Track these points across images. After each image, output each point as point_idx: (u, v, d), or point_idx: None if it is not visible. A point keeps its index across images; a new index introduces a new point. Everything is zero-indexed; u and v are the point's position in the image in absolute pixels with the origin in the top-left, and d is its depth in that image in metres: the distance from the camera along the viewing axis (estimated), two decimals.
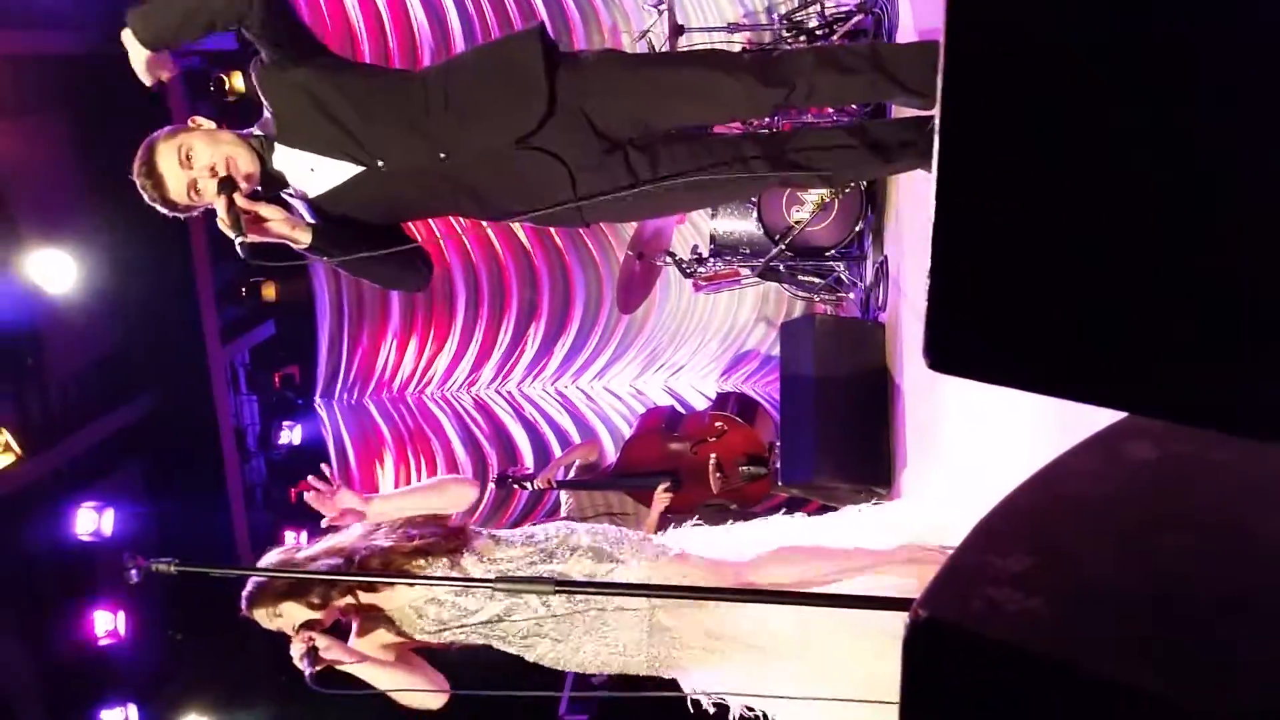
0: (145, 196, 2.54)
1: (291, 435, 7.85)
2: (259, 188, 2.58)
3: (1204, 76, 0.76)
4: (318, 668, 2.37)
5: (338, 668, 2.45)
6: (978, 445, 2.96)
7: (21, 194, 5.40)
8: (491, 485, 6.69)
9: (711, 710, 2.64)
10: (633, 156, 2.57)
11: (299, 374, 8.03)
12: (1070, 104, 0.80)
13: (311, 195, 2.59)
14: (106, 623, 5.86)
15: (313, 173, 2.55)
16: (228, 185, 2.45)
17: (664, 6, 4.99)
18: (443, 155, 2.51)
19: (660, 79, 2.61)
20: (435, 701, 2.54)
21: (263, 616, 2.53)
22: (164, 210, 2.56)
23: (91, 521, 5.70)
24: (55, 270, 5.29)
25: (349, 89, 2.51)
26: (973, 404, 3.06)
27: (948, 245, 0.80)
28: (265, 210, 2.48)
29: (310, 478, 2.52)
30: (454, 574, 2.48)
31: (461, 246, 7.72)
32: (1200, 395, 0.76)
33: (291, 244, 2.55)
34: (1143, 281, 0.78)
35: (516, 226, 7.78)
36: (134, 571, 2.04)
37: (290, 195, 2.65)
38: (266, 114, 2.59)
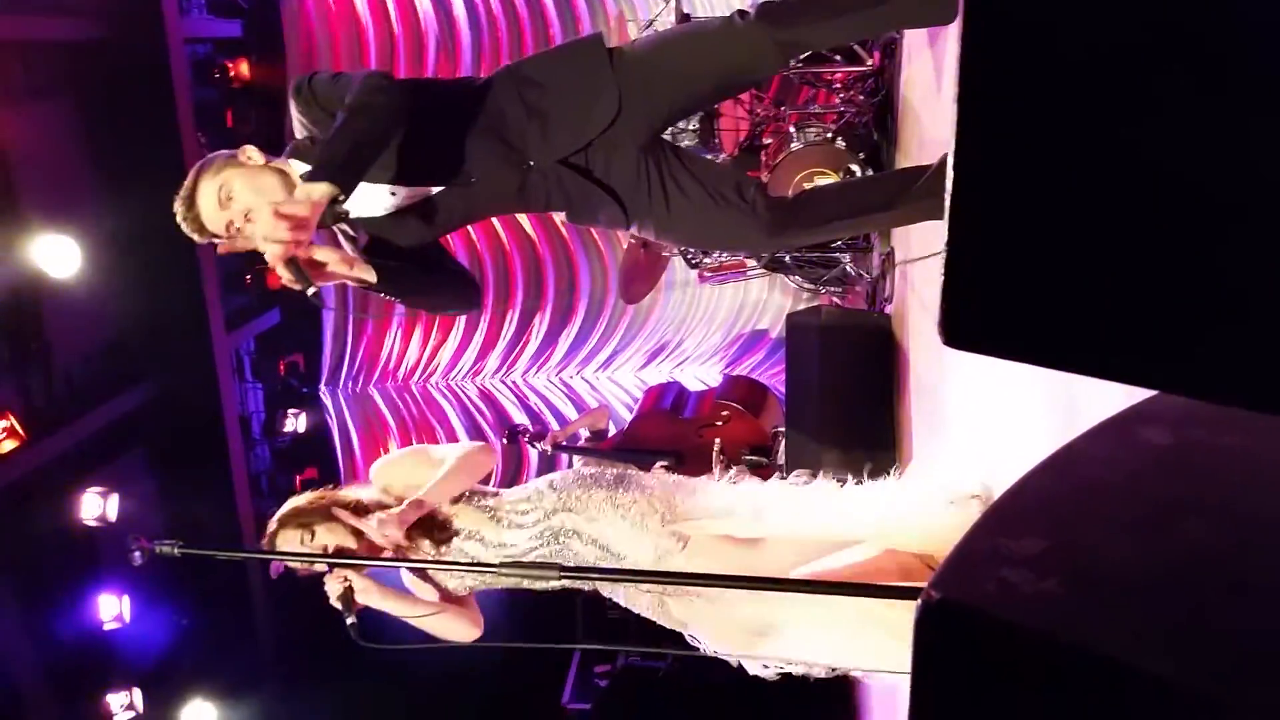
0: (181, 224, 2.43)
1: (296, 423, 7.86)
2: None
3: (1220, 56, 0.75)
4: (356, 611, 2.35)
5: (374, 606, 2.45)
6: (986, 437, 2.95)
7: (27, 179, 5.40)
8: (503, 441, 6.77)
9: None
10: (667, 173, 2.63)
11: (304, 362, 8.05)
12: (1087, 81, 0.79)
13: (381, 213, 2.52)
14: (112, 608, 5.88)
15: (393, 196, 2.49)
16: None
17: None
18: (531, 164, 2.53)
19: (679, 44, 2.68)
20: (470, 634, 2.57)
21: (291, 539, 2.45)
22: (197, 239, 2.46)
23: (97, 506, 5.72)
24: (60, 255, 5.29)
25: (422, 112, 2.44)
26: (981, 395, 3.04)
27: (964, 219, 0.79)
28: (320, 255, 2.35)
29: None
30: (481, 529, 2.51)
31: (467, 237, 7.72)
32: (1220, 369, 0.75)
33: (355, 284, 2.45)
34: (1161, 254, 0.76)
35: (521, 217, 7.77)
36: (138, 553, 2.04)
37: (339, 229, 2.54)
38: (304, 144, 2.46)
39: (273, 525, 2.51)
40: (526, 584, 2.57)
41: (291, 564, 2.48)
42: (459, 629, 2.57)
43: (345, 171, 2.23)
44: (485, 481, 2.68)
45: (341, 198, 2.23)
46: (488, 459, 2.65)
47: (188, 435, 6.70)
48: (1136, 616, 0.87)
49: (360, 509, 2.50)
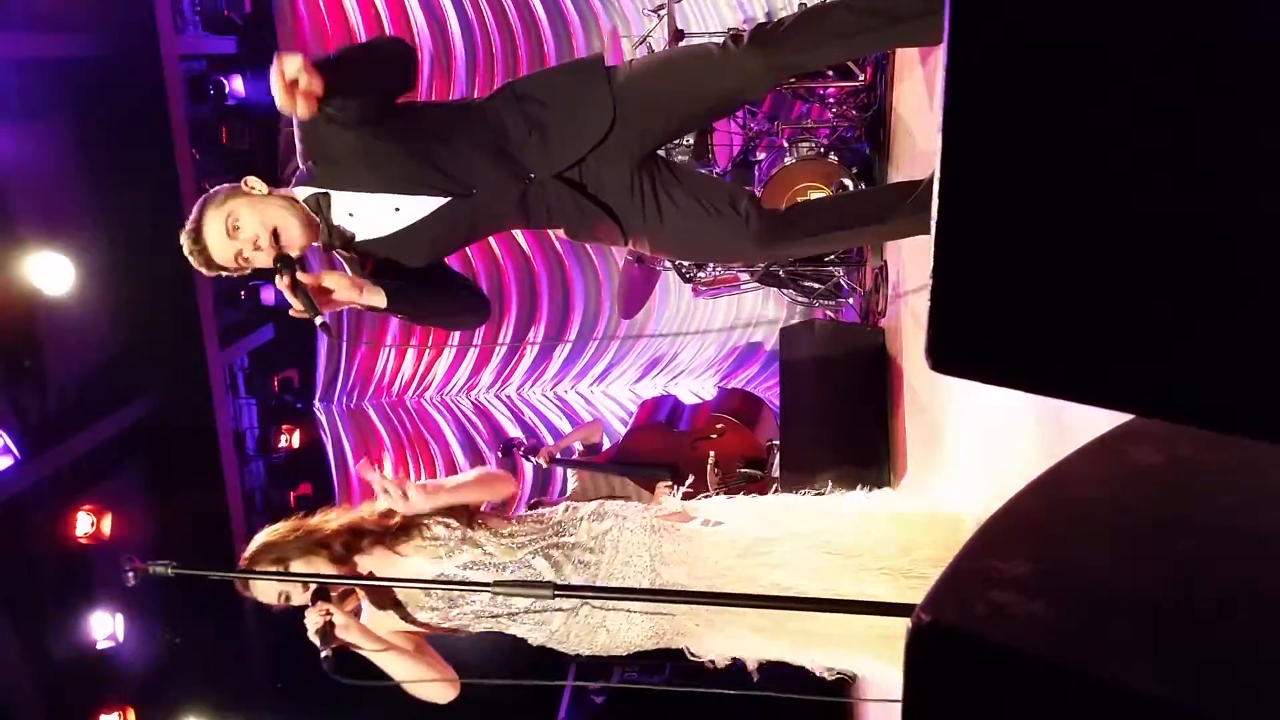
0: (189, 258, 2.46)
1: (290, 439, 7.84)
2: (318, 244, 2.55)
3: (1201, 79, 0.76)
4: (333, 646, 2.28)
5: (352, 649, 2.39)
6: (979, 451, 2.96)
7: (21, 196, 5.40)
8: (497, 455, 6.77)
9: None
10: (658, 187, 2.66)
11: (298, 378, 8.02)
12: (1072, 106, 0.80)
13: (387, 232, 2.54)
14: (105, 626, 5.85)
15: (398, 212, 2.51)
16: (288, 265, 2.35)
17: (664, 11, 4.99)
18: (532, 176, 2.56)
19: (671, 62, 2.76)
20: (446, 694, 2.52)
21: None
22: (206, 272, 2.49)
23: (90, 525, 5.69)
24: (54, 272, 5.28)
25: (423, 124, 2.50)
26: (973, 410, 3.05)
27: (950, 245, 0.79)
28: (329, 281, 2.42)
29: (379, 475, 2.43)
30: (466, 548, 2.48)
31: (462, 252, 7.72)
32: (1201, 395, 0.76)
33: (365, 309, 2.51)
34: (1143, 282, 0.77)
35: (517, 232, 7.78)
36: (131, 574, 2.03)
37: (340, 254, 2.59)
38: (308, 167, 2.49)
39: (243, 564, 2.42)
40: (518, 633, 2.56)
41: (266, 600, 2.41)
42: (432, 681, 2.49)
43: (331, 67, 2.30)
44: (504, 507, 2.69)
45: (324, 99, 2.27)
46: (506, 486, 2.65)
47: (181, 452, 6.67)
48: (1127, 636, 0.88)
49: (356, 531, 2.46)
